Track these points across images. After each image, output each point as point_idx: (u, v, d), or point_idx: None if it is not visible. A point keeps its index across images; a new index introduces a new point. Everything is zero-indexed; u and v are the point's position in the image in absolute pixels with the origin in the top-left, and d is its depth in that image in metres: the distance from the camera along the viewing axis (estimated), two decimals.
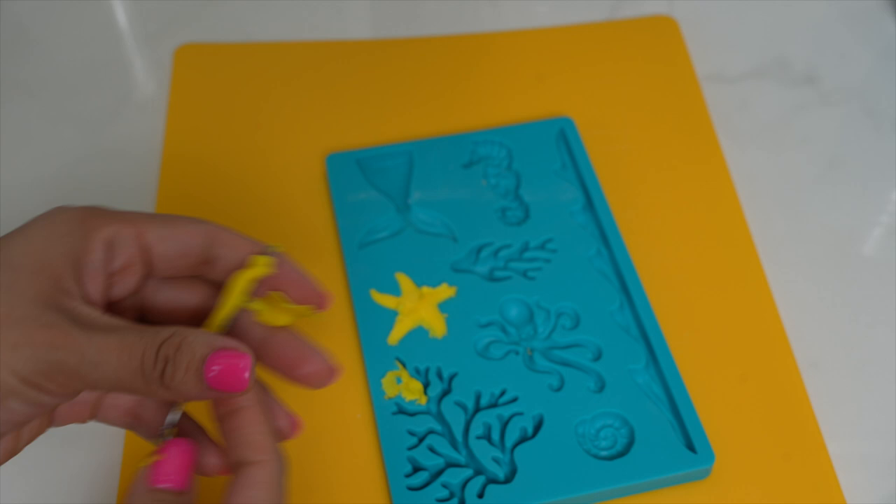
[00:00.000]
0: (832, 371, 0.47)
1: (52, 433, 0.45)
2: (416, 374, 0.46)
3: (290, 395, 0.46)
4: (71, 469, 0.44)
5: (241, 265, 0.32)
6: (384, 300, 0.48)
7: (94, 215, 0.30)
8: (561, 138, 0.55)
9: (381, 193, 0.52)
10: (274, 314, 0.34)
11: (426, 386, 0.45)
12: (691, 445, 0.43)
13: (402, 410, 0.44)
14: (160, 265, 0.32)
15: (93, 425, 0.45)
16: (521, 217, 0.51)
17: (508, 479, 0.42)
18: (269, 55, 0.61)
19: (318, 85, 0.59)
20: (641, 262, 0.49)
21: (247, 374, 0.30)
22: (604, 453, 0.43)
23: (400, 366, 0.46)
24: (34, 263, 0.28)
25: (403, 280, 0.49)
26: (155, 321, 0.33)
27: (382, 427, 0.44)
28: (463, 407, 0.45)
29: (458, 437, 0.44)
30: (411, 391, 0.45)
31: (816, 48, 0.62)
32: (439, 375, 0.46)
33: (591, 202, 0.51)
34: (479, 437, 0.44)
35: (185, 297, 0.33)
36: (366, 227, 0.51)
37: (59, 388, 0.28)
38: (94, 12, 0.64)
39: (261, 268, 0.33)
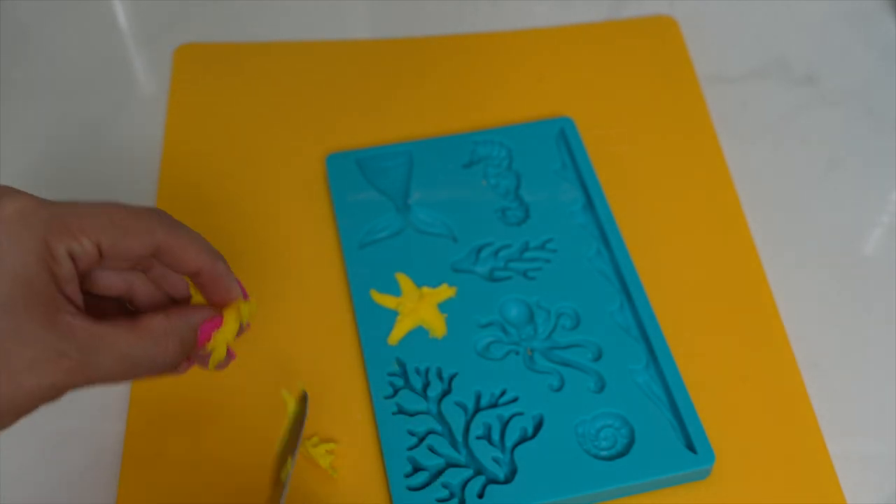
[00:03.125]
0: (832, 371, 0.47)
1: (51, 434, 0.45)
2: (417, 374, 0.46)
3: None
4: (71, 469, 0.44)
5: (185, 269, 0.36)
6: (384, 300, 0.48)
7: (55, 227, 0.32)
8: (561, 138, 0.55)
9: (381, 193, 0.52)
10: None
11: (426, 386, 0.45)
12: (691, 445, 0.43)
13: (402, 410, 0.44)
14: (107, 264, 0.35)
15: (93, 425, 0.45)
16: (521, 217, 0.51)
17: (508, 480, 0.42)
18: (269, 55, 0.61)
19: (318, 85, 0.59)
20: (641, 262, 0.49)
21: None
22: (604, 453, 0.43)
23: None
24: (20, 286, 0.31)
25: (403, 280, 0.49)
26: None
27: (382, 427, 0.44)
28: (463, 407, 0.45)
29: (459, 437, 0.44)
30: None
31: (816, 48, 0.62)
32: (439, 375, 0.46)
33: (592, 202, 0.51)
34: (479, 438, 0.44)
35: (118, 283, 0.36)
36: (366, 227, 0.51)
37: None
38: (94, 12, 0.64)
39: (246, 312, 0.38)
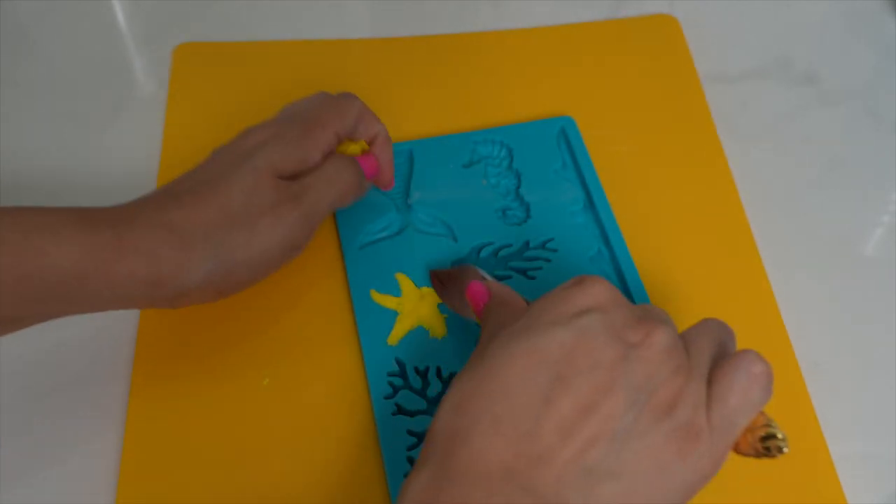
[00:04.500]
0: (833, 371, 0.47)
1: (51, 440, 0.45)
2: (416, 374, 0.46)
3: (293, 394, 0.46)
4: (71, 469, 0.44)
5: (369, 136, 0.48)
6: (384, 300, 0.48)
7: (315, 131, 0.45)
8: (562, 137, 0.55)
9: (381, 193, 0.52)
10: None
11: (426, 386, 0.45)
12: None
13: (402, 410, 0.44)
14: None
15: (93, 426, 0.45)
16: (521, 217, 0.51)
17: None
18: (269, 54, 0.60)
19: (317, 85, 0.59)
20: (642, 262, 0.49)
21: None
22: None
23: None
24: (269, 169, 0.43)
25: (403, 280, 0.49)
26: None
27: (382, 427, 0.44)
28: None
29: None
30: None
31: (817, 48, 0.62)
32: (439, 375, 0.46)
33: (592, 202, 0.51)
34: None
35: None
36: (366, 227, 0.51)
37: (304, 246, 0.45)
38: (94, 12, 0.64)
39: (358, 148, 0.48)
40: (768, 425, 0.34)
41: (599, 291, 0.35)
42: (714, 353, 0.35)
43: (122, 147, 0.56)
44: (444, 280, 0.48)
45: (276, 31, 0.62)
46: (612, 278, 0.49)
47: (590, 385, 0.32)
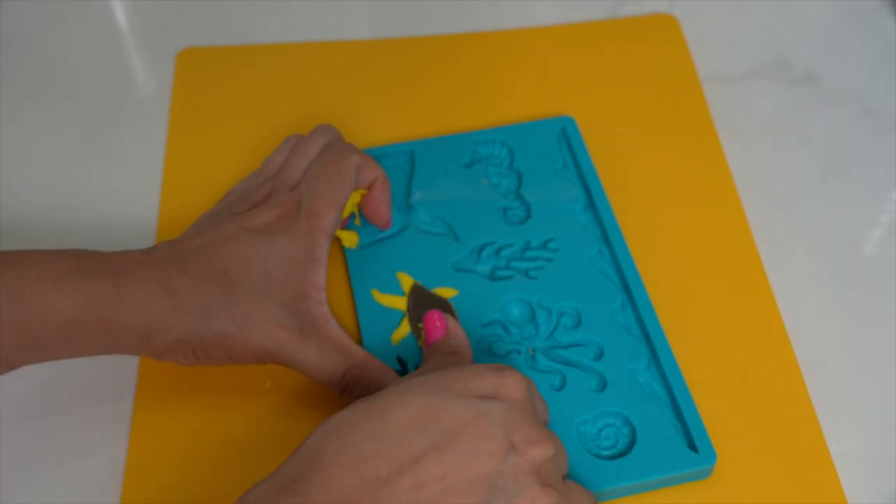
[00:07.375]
0: (833, 370, 0.47)
1: (56, 442, 0.45)
2: None
3: (295, 396, 0.46)
4: (76, 471, 0.44)
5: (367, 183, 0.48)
6: (386, 300, 0.48)
7: (319, 222, 0.44)
8: (562, 137, 0.55)
9: None
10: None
11: None
12: (693, 445, 0.43)
13: None
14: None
15: (98, 427, 0.45)
16: (522, 216, 0.51)
17: None
18: (270, 57, 0.60)
19: (319, 86, 0.59)
20: (643, 262, 0.49)
21: None
22: (606, 453, 0.43)
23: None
24: (283, 274, 0.42)
25: (405, 280, 0.49)
26: None
27: None
28: None
29: None
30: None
31: (816, 48, 0.62)
32: None
33: (593, 201, 0.51)
34: None
35: None
36: (367, 227, 0.51)
37: (270, 362, 0.43)
38: (95, 13, 0.63)
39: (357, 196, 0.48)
40: None
41: (514, 386, 0.36)
42: None
43: (125, 149, 0.56)
44: (418, 297, 0.48)
45: (277, 32, 0.62)
46: (612, 277, 0.49)
47: (461, 467, 0.33)
